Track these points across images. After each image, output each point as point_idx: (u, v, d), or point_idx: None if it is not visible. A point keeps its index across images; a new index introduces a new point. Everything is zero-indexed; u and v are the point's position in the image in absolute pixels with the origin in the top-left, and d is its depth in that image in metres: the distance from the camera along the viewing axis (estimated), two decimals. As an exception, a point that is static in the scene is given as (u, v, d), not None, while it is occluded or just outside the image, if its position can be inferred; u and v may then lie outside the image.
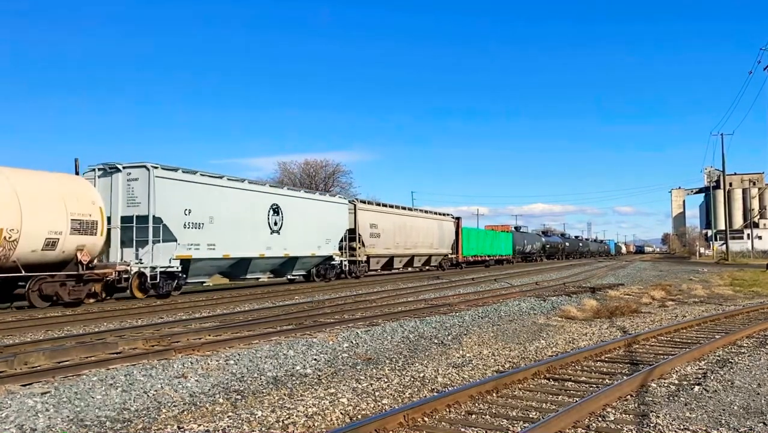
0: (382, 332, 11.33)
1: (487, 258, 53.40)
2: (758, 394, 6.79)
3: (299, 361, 8.93)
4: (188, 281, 21.02)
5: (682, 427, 5.55)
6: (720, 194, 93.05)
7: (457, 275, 36.99)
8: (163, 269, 19.37)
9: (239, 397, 6.96)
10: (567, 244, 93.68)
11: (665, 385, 7.17)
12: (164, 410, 6.41)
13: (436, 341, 10.89)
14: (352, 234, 30.86)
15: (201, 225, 20.87)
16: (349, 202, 32.16)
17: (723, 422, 5.73)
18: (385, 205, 36.46)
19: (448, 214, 45.82)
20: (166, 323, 13.23)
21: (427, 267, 42.78)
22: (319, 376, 8.07)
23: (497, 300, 17.72)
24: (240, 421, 5.86)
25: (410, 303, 17.45)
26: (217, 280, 24.56)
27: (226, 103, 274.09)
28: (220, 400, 6.85)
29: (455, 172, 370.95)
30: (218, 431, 5.62)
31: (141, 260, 18.99)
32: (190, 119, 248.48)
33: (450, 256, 44.83)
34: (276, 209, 25.04)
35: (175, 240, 19.72)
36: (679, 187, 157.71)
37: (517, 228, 72.47)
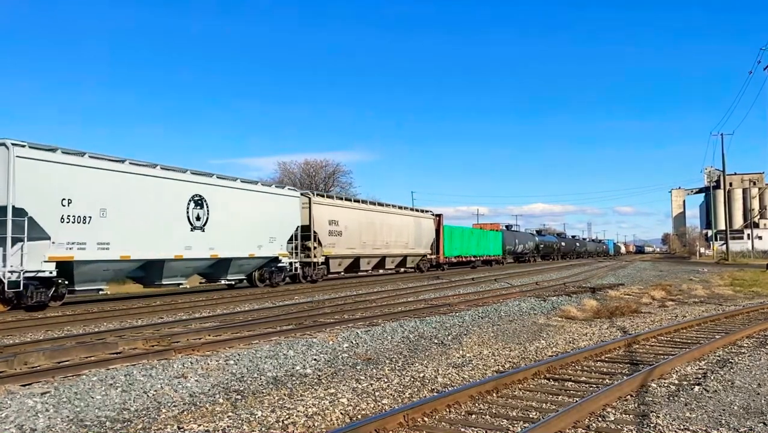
0: (382, 332, 11.33)
1: (474, 259, 48.86)
2: (758, 394, 6.79)
3: (299, 361, 8.93)
4: (75, 288, 17.08)
5: (682, 427, 5.55)
6: (720, 194, 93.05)
7: (457, 275, 36.93)
8: (31, 275, 15.46)
9: (239, 397, 6.96)
10: (563, 244, 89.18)
11: (665, 385, 7.17)
12: (164, 410, 6.41)
13: (436, 341, 10.88)
14: (306, 232, 26.93)
15: (87, 219, 16.72)
16: (302, 195, 27.81)
17: (723, 422, 5.73)
18: (348, 200, 33.18)
19: (427, 211, 41.85)
20: (166, 323, 13.23)
21: (402, 269, 39.23)
22: (319, 376, 8.07)
23: (497, 300, 17.72)
24: (240, 421, 5.86)
25: (410, 303, 17.45)
26: (129, 287, 20.52)
27: (227, 102, 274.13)
28: (220, 400, 6.85)
29: (455, 172, 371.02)
30: (218, 431, 5.62)
31: None
32: (190, 119, 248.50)
33: (429, 256, 40.64)
34: (199, 201, 20.72)
35: (48, 238, 15.73)
36: (679, 188, 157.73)
37: (508, 227, 66.86)
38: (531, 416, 5.97)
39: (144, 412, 6.36)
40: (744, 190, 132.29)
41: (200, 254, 20.67)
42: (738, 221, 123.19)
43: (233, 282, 24.19)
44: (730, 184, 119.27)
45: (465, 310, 15.01)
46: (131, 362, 8.46)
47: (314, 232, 27.44)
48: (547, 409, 6.19)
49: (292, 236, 25.78)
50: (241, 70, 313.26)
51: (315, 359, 9.09)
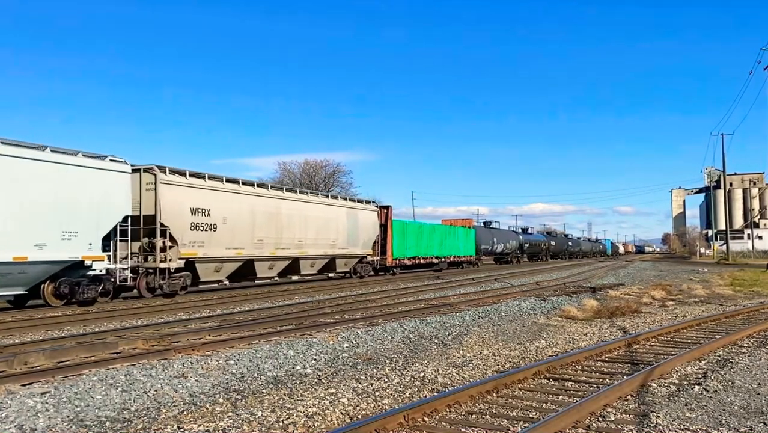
0: (383, 332, 11.33)
1: (437, 260, 41.54)
2: (758, 394, 6.79)
3: (299, 361, 8.93)
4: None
5: (682, 427, 5.55)
6: (720, 194, 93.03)
7: (457, 275, 36.84)
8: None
9: (239, 397, 6.96)
10: (552, 243, 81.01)
11: (665, 385, 7.17)
12: (164, 410, 6.41)
13: (436, 341, 10.88)
14: (152, 225, 18.87)
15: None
16: (146, 171, 19.23)
17: (723, 422, 5.73)
18: (232, 181, 22.81)
19: (370, 202, 33.97)
20: (166, 323, 13.23)
21: (331, 274, 30.44)
22: (319, 376, 8.07)
23: (497, 300, 17.72)
24: (240, 421, 5.86)
25: (410, 303, 17.45)
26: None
27: (227, 102, 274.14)
28: (220, 400, 6.85)
29: (455, 172, 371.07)
30: (218, 431, 5.62)
31: None
32: (190, 119, 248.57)
33: (372, 258, 32.92)
34: None
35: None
36: (680, 187, 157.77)
37: (486, 223, 58.78)
38: (531, 416, 5.97)
39: (144, 412, 6.36)
40: (744, 190, 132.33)
41: None
42: (738, 221, 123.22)
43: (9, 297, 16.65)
44: (731, 184, 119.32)
45: (465, 310, 15.01)
46: (131, 362, 8.46)
47: (161, 225, 19.05)
48: (547, 409, 6.19)
49: (111, 230, 17.71)
50: (241, 70, 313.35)
51: (315, 359, 9.09)
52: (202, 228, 20.74)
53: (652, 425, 5.61)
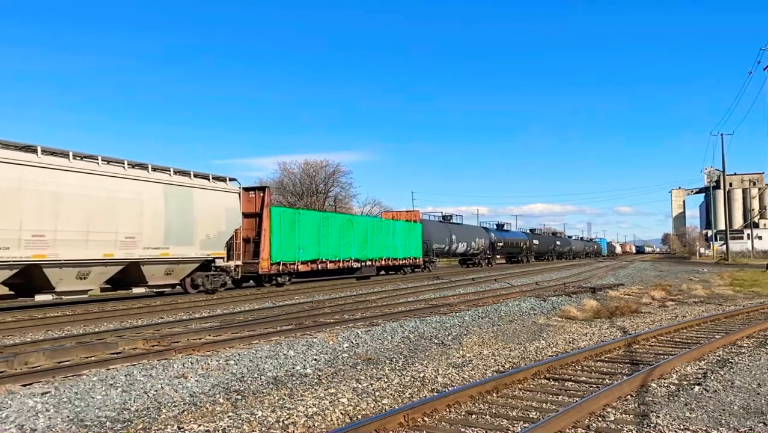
0: (382, 332, 11.33)
1: (357, 264, 30.49)
2: (758, 394, 6.79)
3: (299, 361, 8.93)
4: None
5: (682, 427, 5.55)
6: (720, 194, 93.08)
7: (457, 274, 36.41)
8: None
9: (239, 397, 6.96)
10: (536, 242, 69.31)
11: (665, 385, 7.17)
12: (164, 410, 6.41)
13: (436, 341, 10.89)
14: None
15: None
16: None
17: (723, 422, 5.73)
18: None
19: (227, 179, 21.60)
20: (166, 323, 13.23)
21: (143, 289, 18.48)
22: (319, 376, 8.07)
23: (497, 300, 17.71)
24: (240, 421, 5.86)
25: (410, 303, 17.45)
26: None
27: (227, 103, 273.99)
28: (221, 400, 6.85)
29: (455, 172, 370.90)
30: (218, 431, 5.63)
31: None
32: (190, 119, 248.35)
33: (230, 264, 21.66)
34: None
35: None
36: (679, 188, 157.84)
37: (446, 217, 47.80)
38: (531, 416, 5.98)
39: (144, 412, 6.37)
40: (744, 191, 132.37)
41: None
42: (738, 221, 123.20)
43: None
44: (730, 185, 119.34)
45: (465, 310, 15.01)
46: (131, 362, 8.47)
47: None
48: (547, 409, 6.20)
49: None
50: (242, 70, 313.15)
51: (315, 359, 9.09)
52: None
53: (651, 425, 5.61)
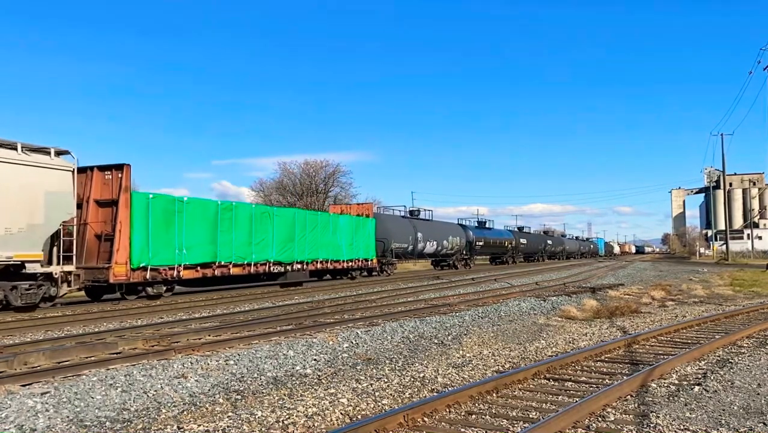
0: (382, 332, 11.32)
1: (278, 267, 23.82)
2: (758, 394, 6.79)
3: (299, 361, 8.93)
4: None
5: (682, 427, 5.55)
6: (720, 194, 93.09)
7: (457, 274, 36.24)
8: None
9: (239, 397, 6.96)
10: (522, 241, 62.85)
11: (665, 385, 7.17)
12: (164, 411, 6.41)
13: (436, 341, 10.88)
14: None
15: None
16: None
17: (723, 422, 5.73)
18: None
19: (63, 153, 16.04)
20: (166, 323, 13.23)
21: None
22: (319, 376, 8.07)
23: (497, 300, 17.70)
24: (240, 421, 5.86)
25: (410, 303, 17.44)
26: None
27: (227, 103, 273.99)
28: (220, 400, 6.85)
29: (455, 172, 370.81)
30: (218, 431, 5.62)
31: None
32: (191, 119, 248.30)
33: (51, 270, 15.35)
34: None
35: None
36: (679, 188, 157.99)
37: (413, 212, 41.58)
38: (531, 416, 5.97)
39: (144, 412, 6.36)
40: (744, 191, 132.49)
41: None
42: (738, 221, 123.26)
43: None
44: (730, 185, 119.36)
45: (465, 310, 15.00)
46: (131, 362, 8.46)
47: None
48: (547, 409, 6.19)
49: None
50: (242, 70, 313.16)
51: (315, 359, 9.09)
52: None
53: (651, 425, 5.61)
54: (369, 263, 31.87)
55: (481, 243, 50.20)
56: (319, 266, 27.07)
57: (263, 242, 23.05)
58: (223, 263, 20.98)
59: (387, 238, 34.08)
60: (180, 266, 19.18)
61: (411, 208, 42.39)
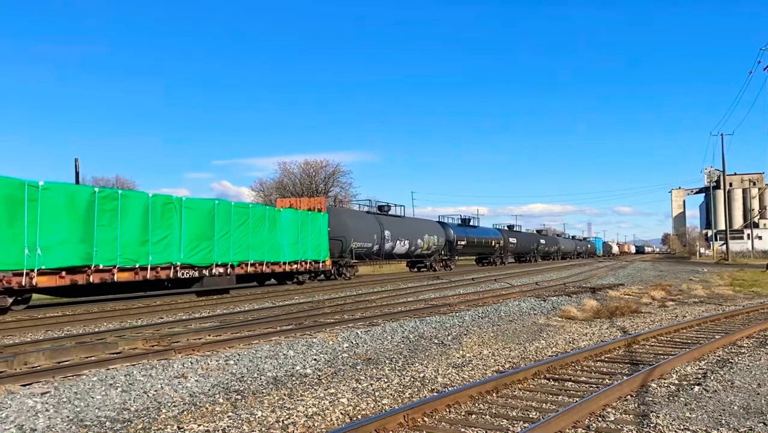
0: (382, 332, 11.33)
1: (191, 271, 19.56)
2: (758, 394, 6.79)
3: (299, 361, 8.93)
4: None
5: (682, 427, 5.55)
6: (720, 194, 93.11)
7: (458, 274, 36.26)
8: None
9: (239, 397, 6.96)
10: (512, 241, 58.63)
11: (665, 385, 7.17)
12: (164, 410, 6.41)
13: (436, 341, 10.88)
14: None
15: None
16: None
17: (723, 422, 5.73)
18: None
19: None
20: (166, 323, 13.23)
21: None
22: (319, 376, 8.07)
23: (497, 300, 17.71)
24: (240, 421, 5.86)
25: (410, 303, 17.45)
26: None
27: (227, 103, 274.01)
28: (220, 400, 6.85)
29: (455, 172, 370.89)
30: (218, 431, 5.62)
31: None
32: (191, 119, 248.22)
33: None
34: None
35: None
36: (679, 188, 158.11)
37: (381, 208, 36.94)
38: (531, 416, 5.97)
39: (144, 412, 6.36)
40: (744, 191, 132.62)
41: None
42: (738, 221, 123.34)
43: None
44: (730, 185, 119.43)
45: (465, 310, 15.01)
46: (131, 362, 8.46)
47: None
48: (547, 409, 6.19)
49: None
50: (242, 70, 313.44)
51: (315, 359, 9.09)
52: None
53: (651, 425, 5.61)
54: (321, 265, 27.13)
55: (463, 242, 45.78)
56: (249, 269, 22.33)
57: (166, 240, 18.54)
58: (102, 266, 16.33)
59: (345, 236, 29.72)
60: (33, 271, 14.56)
61: (380, 204, 37.14)
